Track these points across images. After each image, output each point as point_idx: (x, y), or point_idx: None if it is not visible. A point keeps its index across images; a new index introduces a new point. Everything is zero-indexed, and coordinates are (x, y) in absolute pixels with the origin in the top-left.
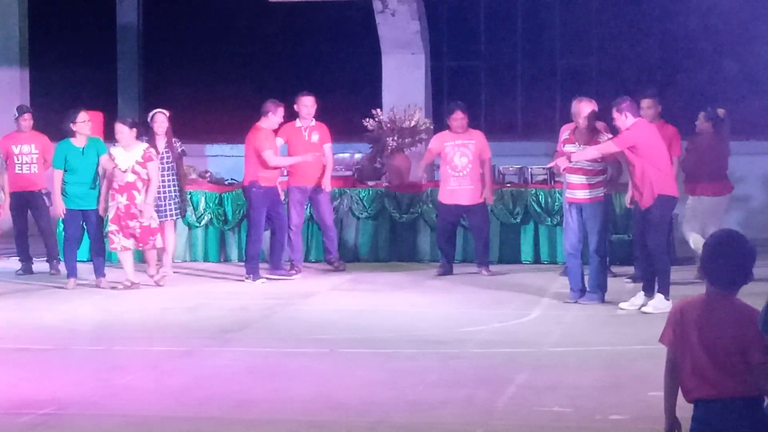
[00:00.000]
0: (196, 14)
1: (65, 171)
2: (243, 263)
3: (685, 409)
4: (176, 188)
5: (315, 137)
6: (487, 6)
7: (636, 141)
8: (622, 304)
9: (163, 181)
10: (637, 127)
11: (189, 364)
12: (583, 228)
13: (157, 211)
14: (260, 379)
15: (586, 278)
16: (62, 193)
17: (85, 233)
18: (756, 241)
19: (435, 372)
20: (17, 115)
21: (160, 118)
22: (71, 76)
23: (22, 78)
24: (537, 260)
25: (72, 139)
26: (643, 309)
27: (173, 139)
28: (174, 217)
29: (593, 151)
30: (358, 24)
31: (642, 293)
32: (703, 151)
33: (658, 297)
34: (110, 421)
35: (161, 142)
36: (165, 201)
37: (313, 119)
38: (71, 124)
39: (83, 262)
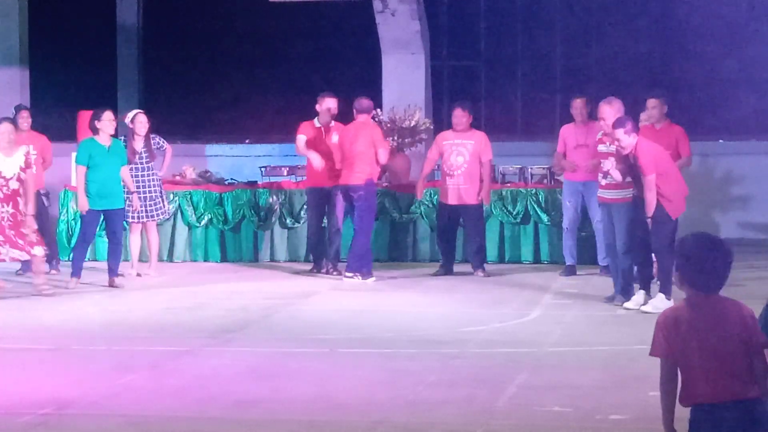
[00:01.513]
0: (196, 14)
1: (88, 168)
2: (243, 263)
3: (681, 411)
4: (156, 189)
5: (335, 138)
6: (487, 6)
7: (651, 156)
8: (625, 304)
9: (143, 182)
10: (646, 144)
11: (189, 364)
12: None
13: (142, 211)
14: (260, 379)
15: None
16: (85, 193)
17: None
18: (756, 242)
19: (435, 372)
20: (14, 114)
21: (142, 119)
22: (71, 76)
23: (22, 78)
24: (537, 260)
25: (96, 137)
26: (643, 308)
27: (151, 136)
28: (155, 218)
29: (652, 195)
30: (358, 24)
31: (642, 291)
32: None
33: (659, 297)
34: (110, 421)
35: (140, 142)
36: (145, 202)
37: (333, 120)
38: (96, 122)
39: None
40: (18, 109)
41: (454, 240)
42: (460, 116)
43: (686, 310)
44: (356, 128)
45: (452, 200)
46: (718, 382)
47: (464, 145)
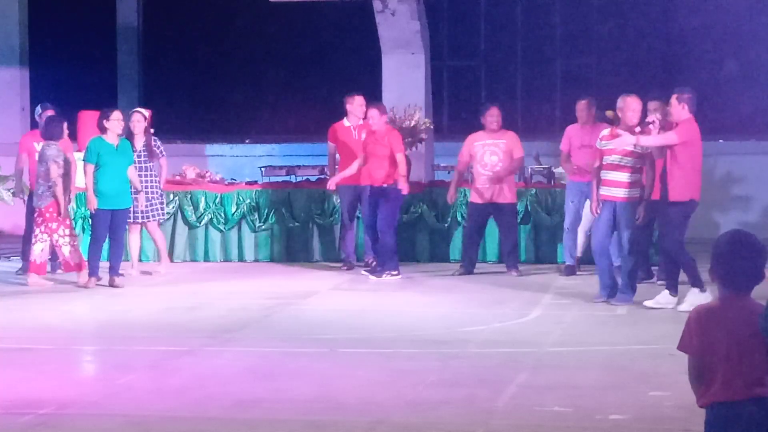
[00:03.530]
0: (196, 14)
1: (97, 167)
2: (243, 263)
3: (688, 411)
4: (156, 189)
5: (364, 135)
6: (487, 6)
7: (691, 136)
8: (646, 302)
9: (143, 182)
10: (692, 123)
11: (189, 364)
12: (612, 227)
13: (140, 212)
14: (260, 379)
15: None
16: (94, 192)
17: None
18: None
19: (435, 372)
20: (40, 112)
21: (137, 117)
22: (71, 76)
23: (22, 78)
24: (537, 260)
25: (104, 136)
26: (680, 308)
27: (152, 139)
28: (154, 218)
29: (659, 139)
30: (358, 24)
31: (666, 292)
32: None
33: (693, 291)
34: (110, 421)
35: (139, 141)
36: (148, 201)
37: (361, 118)
38: (104, 121)
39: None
40: (44, 107)
41: (480, 242)
42: (497, 115)
43: (716, 310)
44: (379, 132)
45: (486, 200)
46: (738, 380)
47: (497, 145)
